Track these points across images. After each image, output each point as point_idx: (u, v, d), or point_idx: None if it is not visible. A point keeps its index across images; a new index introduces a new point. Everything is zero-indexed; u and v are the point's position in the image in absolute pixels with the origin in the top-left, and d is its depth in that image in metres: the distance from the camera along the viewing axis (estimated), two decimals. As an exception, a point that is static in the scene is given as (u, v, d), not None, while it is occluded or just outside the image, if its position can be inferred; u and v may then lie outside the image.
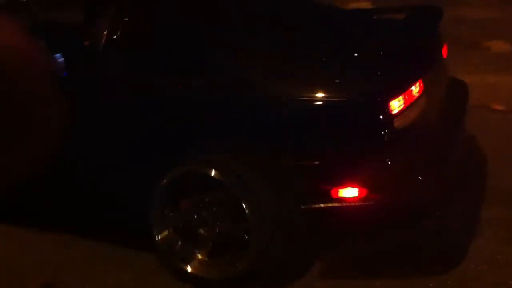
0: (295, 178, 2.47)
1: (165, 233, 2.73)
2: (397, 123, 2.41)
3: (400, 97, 2.45)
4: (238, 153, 2.54)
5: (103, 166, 2.84)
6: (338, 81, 2.47)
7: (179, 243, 2.73)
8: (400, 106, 2.44)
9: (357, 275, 2.71)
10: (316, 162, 2.44)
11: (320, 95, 2.42)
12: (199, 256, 2.71)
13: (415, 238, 2.85)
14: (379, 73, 2.52)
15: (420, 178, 2.47)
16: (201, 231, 2.70)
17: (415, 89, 2.60)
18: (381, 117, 2.37)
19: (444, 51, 3.38)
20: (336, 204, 2.43)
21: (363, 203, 2.42)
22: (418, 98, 2.61)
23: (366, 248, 2.83)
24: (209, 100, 2.56)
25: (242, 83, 2.51)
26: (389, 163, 2.40)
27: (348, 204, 2.43)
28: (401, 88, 2.47)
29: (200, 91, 2.57)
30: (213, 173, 2.54)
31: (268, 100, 2.47)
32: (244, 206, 2.52)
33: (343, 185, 2.41)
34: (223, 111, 2.53)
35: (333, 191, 2.42)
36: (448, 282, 2.62)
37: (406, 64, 2.68)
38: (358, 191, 2.41)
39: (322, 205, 2.45)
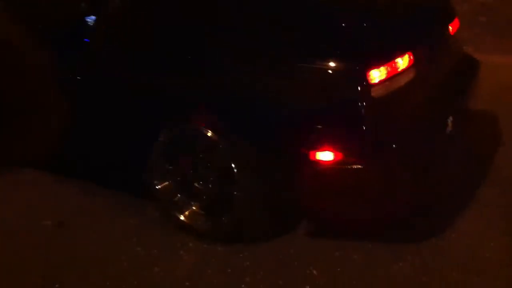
0: (277, 141, 2.65)
1: (166, 183, 3.00)
2: (375, 93, 2.53)
3: (381, 68, 2.56)
4: (228, 117, 2.74)
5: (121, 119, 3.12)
6: (321, 48, 2.60)
7: (178, 195, 2.99)
8: (381, 76, 2.56)
9: (335, 247, 2.86)
10: (297, 126, 2.60)
11: (301, 61, 2.58)
12: (194, 208, 2.97)
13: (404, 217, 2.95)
14: (362, 43, 2.63)
15: (394, 146, 2.59)
16: (196, 185, 2.94)
17: (402, 62, 2.69)
18: (359, 85, 2.50)
19: (453, 27, 3.41)
20: (313, 166, 2.59)
21: (338, 167, 2.57)
22: (405, 71, 2.71)
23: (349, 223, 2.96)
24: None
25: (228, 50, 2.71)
26: (365, 130, 2.53)
27: (323, 167, 2.58)
28: (382, 59, 2.58)
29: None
30: (209, 133, 2.77)
31: (252, 67, 2.65)
32: (233, 165, 2.74)
33: (320, 148, 2.57)
34: (216, 78, 2.74)
35: (311, 153, 2.58)
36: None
37: (394, 36, 2.78)
38: (334, 154, 2.56)
39: (301, 166, 2.62)
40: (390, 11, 3.05)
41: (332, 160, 2.57)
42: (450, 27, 3.38)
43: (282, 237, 2.95)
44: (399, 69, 2.68)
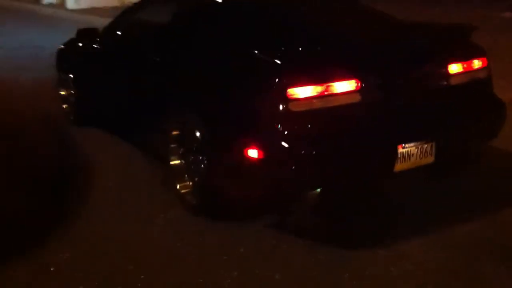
0: (224, 138, 3.37)
1: (177, 161, 3.89)
2: (293, 107, 3.06)
3: (306, 87, 3.06)
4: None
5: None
6: (258, 61, 3.28)
7: (183, 171, 3.86)
8: (304, 93, 3.06)
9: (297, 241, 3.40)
10: (237, 128, 3.30)
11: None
12: (190, 183, 3.79)
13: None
14: (297, 62, 3.17)
15: (303, 153, 3.07)
16: (192, 166, 3.77)
17: (341, 86, 3.13)
18: (278, 99, 3.06)
19: (467, 66, 3.57)
20: (246, 161, 3.22)
21: (259, 163, 3.16)
22: (345, 94, 3.14)
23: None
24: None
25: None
26: (279, 135, 3.08)
27: (251, 162, 3.20)
28: (309, 80, 3.07)
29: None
30: (197, 133, 3.61)
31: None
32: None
33: (250, 146, 3.19)
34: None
35: (245, 150, 3.22)
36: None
37: (339, 61, 3.21)
38: (257, 152, 3.16)
39: (239, 160, 3.27)
40: (376, 40, 3.46)
41: (257, 158, 3.17)
42: (451, 66, 3.53)
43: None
44: (335, 91, 3.12)
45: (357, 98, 3.20)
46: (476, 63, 3.66)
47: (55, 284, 2.97)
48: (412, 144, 3.33)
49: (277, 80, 3.09)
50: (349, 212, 3.72)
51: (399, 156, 3.30)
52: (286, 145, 3.09)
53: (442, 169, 3.80)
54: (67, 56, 5.70)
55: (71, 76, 5.57)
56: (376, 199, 3.84)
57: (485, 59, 3.71)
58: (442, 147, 3.45)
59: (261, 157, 3.16)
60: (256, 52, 3.36)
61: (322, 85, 3.10)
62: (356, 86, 3.18)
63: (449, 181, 3.97)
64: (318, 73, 3.12)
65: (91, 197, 3.98)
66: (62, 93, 5.82)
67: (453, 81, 3.56)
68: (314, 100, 3.10)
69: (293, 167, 3.11)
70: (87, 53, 5.34)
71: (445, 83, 3.54)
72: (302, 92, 3.07)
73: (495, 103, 3.76)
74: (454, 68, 3.56)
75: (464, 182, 4.01)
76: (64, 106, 5.81)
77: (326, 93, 3.11)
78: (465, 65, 3.61)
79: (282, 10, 4.05)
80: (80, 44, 5.43)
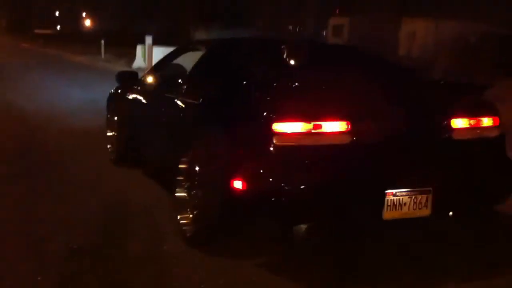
0: (215, 170, 3.47)
1: (182, 194, 4.01)
2: (278, 141, 3.13)
3: (292, 123, 3.13)
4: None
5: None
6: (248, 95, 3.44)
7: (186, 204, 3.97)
8: (290, 129, 3.13)
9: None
10: (226, 159, 3.40)
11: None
12: (190, 215, 3.88)
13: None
14: (287, 97, 3.26)
15: (286, 188, 3.10)
16: (194, 200, 3.87)
17: (330, 125, 3.18)
18: (263, 132, 3.15)
19: (475, 122, 3.52)
20: (232, 192, 3.29)
21: (243, 194, 3.22)
22: (334, 134, 3.18)
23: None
24: None
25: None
26: (262, 168, 3.14)
27: (237, 193, 3.26)
28: (297, 117, 3.14)
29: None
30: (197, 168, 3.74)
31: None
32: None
33: (235, 178, 3.26)
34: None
35: (231, 182, 3.29)
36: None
37: (331, 104, 3.26)
38: (242, 183, 3.22)
39: (226, 191, 3.34)
40: (375, 86, 3.51)
41: (241, 189, 3.23)
42: (454, 120, 3.48)
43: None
44: (324, 130, 3.16)
45: (346, 139, 3.22)
46: (485, 121, 3.59)
47: None
48: (403, 192, 3.27)
49: (264, 113, 3.18)
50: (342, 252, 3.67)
51: (388, 203, 3.24)
52: (267, 177, 3.13)
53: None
54: (115, 99, 6.08)
55: (116, 118, 5.92)
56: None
57: (497, 118, 3.63)
58: (438, 201, 3.35)
59: (245, 188, 3.21)
60: (247, 86, 3.49)
61: (310, 123, 3.16)
62: (347, 128, 3.21)
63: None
64: (307, 111, 3.19)
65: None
66: (108, 134, 6.17)
67: (456, 136, 3.50)
68: (301, 137, 3.15)
69: (273, 199, 3.14)
70: (126, 96, 5.69)
71: (446, 136, 3.48)
72: (288, 127, 3.14)
73: (506, 164, 3.63)
74: (459, 122, 3.51)
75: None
76: (108, 146, 6.14)
77: (314, 131, 3.16)
78: (471, 121, 3.55)
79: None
80: (124, 88, 5.80)
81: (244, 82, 3.69)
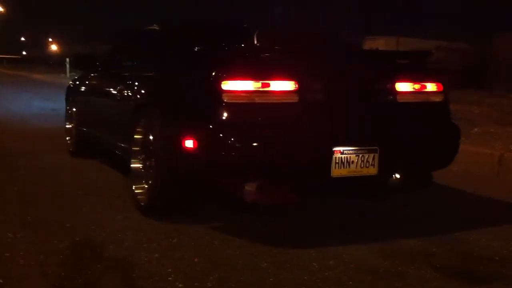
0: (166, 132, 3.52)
1: (137, 165, 4.03)
2: (226, 98, 3.19)
3: (241, 81, 3.20)
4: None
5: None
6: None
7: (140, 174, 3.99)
8: (237, 87, 3.20)
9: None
10: (176, 121, 3.47)
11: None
12: (145, 185, 3.90)
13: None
14: (236, 57, 3.36)
15: (235, 144, 3.16)
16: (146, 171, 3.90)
17: (279, 84, 3.26)
18: (211, 89, 3.22)
19: (419, 86, 3.65)
20: (183, 152, 3.33)
21: (194, 152, 3.27)
22: (283, 92, 3.26)
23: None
24: None
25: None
26: (212, 125, 3.20)
27: (188, 152, 3.30)
28: (245, 75, 3.22)
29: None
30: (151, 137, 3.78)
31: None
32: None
33: (186, 137, 3.31)
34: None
35: (183, 141, 3.34)
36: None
37: (278, 64, 3.36)
38: (193, 142, 3.27)
39: (178, 153, 3.38)
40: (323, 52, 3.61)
41: (192, 147, 3.28)
42: (398, 84, 3.61)
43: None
44: (272, 89, 3.24)
45: (294, 98, 3.30)
46: (429, 86, 3.72)
47: None
48: (350, 151, 3.36)
49: (213, 72, 3.25)
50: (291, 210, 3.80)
51: (336, 160, 3.33)
52: (217, 134, 3.19)
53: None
54: (72, 91, 6.10)
55: (74, 109, 5.92)
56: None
57: (440, 84, 3.76)
58: (385, 160, 3.45)
59: (196, 146, 3.27)
60: (197, 49, 3.58)
61: (259, 81, 3.23)
62: (295, 87, 3.29)
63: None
64: (256, 70, 3.27)
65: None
66: (67, 126, 6.16)
67: (401, 99, 3.62)
68: (250, 95, 3.22)
69: (223, 154, 3.19)
70: (83, 85, 5.74)
71: (391, 98, 3.60)
72: (236, 85, 3.21)
73: (449, 127, 3.77)
74: (403, 86, 3.63)
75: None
76: (67, 138, 6.13)
77: (262, 89, 3.23)
78: (415, 86, 3.67)
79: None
80: (80, 79, 5.85)
81: (196, 49, 3.77)
